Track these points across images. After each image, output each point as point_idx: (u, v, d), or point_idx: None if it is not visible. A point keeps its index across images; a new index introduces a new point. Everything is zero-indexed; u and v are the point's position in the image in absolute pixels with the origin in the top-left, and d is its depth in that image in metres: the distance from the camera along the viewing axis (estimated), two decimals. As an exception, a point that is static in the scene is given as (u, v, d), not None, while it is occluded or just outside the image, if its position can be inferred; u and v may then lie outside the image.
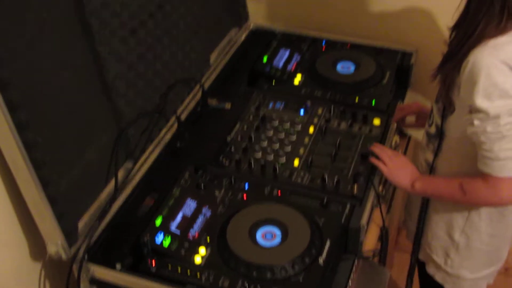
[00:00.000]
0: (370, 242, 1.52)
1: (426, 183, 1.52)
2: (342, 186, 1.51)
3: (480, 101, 1.26)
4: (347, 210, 1.44)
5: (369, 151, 1.58)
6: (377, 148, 1.58)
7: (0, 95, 1.12)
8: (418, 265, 1.76)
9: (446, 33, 1.51)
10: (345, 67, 1.93)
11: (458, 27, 1.37)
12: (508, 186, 1.33)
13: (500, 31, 1.26)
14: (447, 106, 1.42)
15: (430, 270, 1.69)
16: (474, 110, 1.29)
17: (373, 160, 1.55)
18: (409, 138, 1.92)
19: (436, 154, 1.52)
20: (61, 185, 1.32)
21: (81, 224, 1.40)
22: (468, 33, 1.28)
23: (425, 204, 1.60)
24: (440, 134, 1.48)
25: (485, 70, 1.25)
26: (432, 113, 1.53)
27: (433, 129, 1.52)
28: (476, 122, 1.29)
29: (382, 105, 1.79)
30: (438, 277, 1.67)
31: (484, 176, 1.35)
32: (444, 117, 1.45)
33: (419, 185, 1.50)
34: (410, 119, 1.79)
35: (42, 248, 1.35)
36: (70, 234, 1.34)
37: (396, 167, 1.54)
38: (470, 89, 1.28)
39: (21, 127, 1.17)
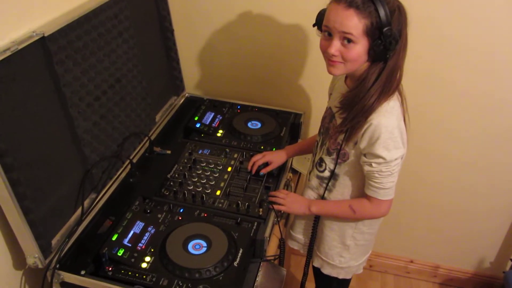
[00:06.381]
0: (271, 249, 1.52)
1: (320, 206, 1.51)
2: (251, 209, 1.52)
3: (381, 151, 1.28)
4: (254, 227, 1.45)
5: (269, 201, 1.54)
6: (271, 197, 1.55)
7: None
8: (313, 269, 1.73)
9: (322, 101, 1.56)
10: (254, 124, 1.94)
11: (353, 103, 1.30)
12: (387, 204, 1.39)
13: (386, 99, 1.26)
14: (341, 157, 1.41)
15: (326, 271, 1.66)
16: (373, 156, 1.30)
17: (273, 206, 1.52)
18: (299, 174, 1.94)
19: (329, 190, 1.49)
20: (39, 212, 1.27)
21: (54, 241, 1.35)
22: (366, 107, 1.26)
23: (316, 225, 1.58)
24: (333, 176, 1.46)
25: (384, 129, 1.26)
26: (324, 163, 1.48)
27: (326, 173, 1.48)
28: (374, 164, 1.30)
29: (280, 151, 1.80)
30: (333, 273, 1.65)
31: (370, 199, 1.38)
32: (337, 164, 1.44)
33: (315, 208, 1.50)
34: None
35: (23, 260, 1.29)
36: (45, 249, 1.30)
37: (291, 202, 1.53)
38: (372, 142, 1.28)
39: (7, 169, 1.14)
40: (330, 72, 1.30)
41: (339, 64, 1.27)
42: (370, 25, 1.18)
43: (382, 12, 1.16)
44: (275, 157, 1.70)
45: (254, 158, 1.70)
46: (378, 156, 1.29)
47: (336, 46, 1.23)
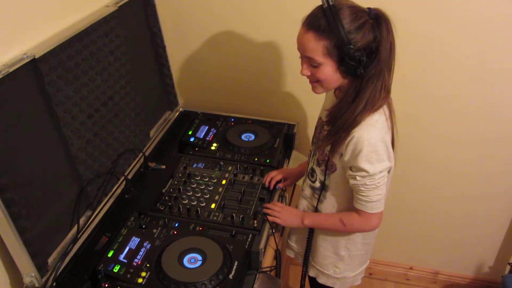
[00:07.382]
0: (268, 260, 1.50)
1: (312, 219, 1.52)
2: (246, 221, 1.52)
3: (364, 164, 1.27)
4: (249, 239, 1.45)
5: (263, 213, 1.54)
6: (267, 209, 1.55)
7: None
8: (309, 278, 1.74)
9: (317, 111, 1.57)
10: (247, 137, 1.94)
11: (336, 117, 1.30)
12: (376, 218, 1.38)
13: (371, 112, 1.26)
14: (329, 168, 1.42)
15: (322, 280, 1.66)
16: (357, 169, 1.30)
17: (268, 218, 1.52)
18: (294, 185, 1.94)
19: (321, 201, 1.51)
20: (34, 231, 1.27)
21: (50, 259, 1.35)
22: (349, 120, 1.26)
23: (311, 236, 1.59)
24: (323, 187, 1.48)
25: (366, 142, 1.25)
26: (315, 174, 1.49)
27: (317, 184, 1.49)
28: (358, 178, 1.30)
29: (274, 163, 1.81)
30: (329, 283, 1.65)
31: (359, 212, 1.38)
32: (326, 175, 1.45)
33: (307, 221, 1.51)
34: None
35: (20, 279, 1.29)
36: (41, 268, 1.30)
37: (286, 215, 1.54)
38: (355, 155, 1.28)
39: (1, 189, 1.15)
40: (314, 92, 1.33)
41: (316, 84, 1.30)
42: (329, 45, 1.18)
43: (337, 31, 1.15)
44: (291, 174, 1.71)
45: (271, 174, 1.70)
46: (361, 169, 1.29)
47: (306, 67, 1.27)
